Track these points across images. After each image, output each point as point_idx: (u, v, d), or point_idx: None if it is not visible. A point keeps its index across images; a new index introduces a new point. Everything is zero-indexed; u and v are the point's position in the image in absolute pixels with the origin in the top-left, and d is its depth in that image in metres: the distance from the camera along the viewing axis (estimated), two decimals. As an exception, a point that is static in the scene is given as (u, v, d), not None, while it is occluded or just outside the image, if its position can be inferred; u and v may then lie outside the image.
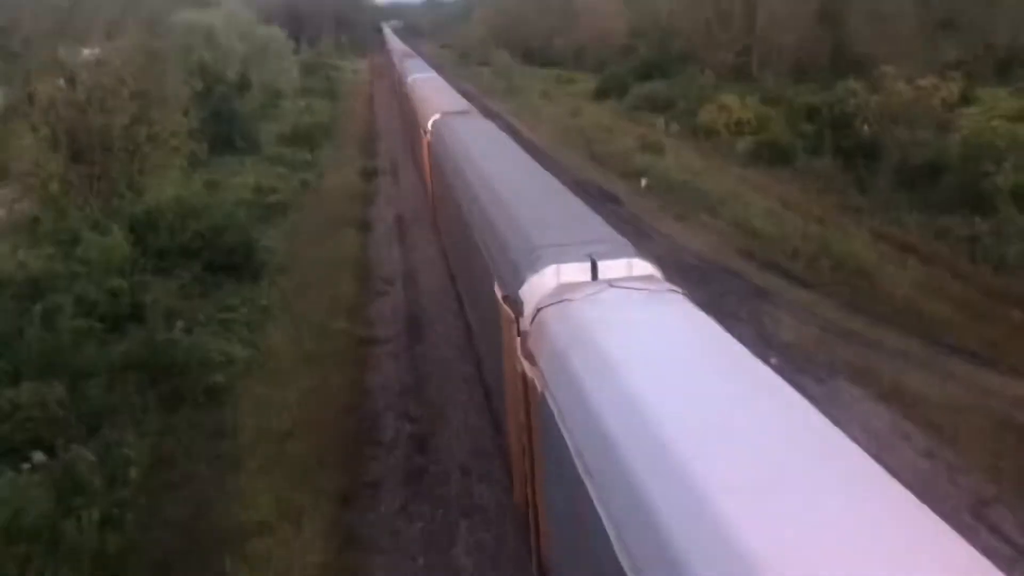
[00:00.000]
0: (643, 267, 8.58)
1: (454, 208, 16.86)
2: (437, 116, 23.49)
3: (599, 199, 29.27)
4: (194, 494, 12.20)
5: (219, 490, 12.25)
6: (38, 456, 12.21)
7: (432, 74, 42.66)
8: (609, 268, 8.39)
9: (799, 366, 16.00)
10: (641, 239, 23.97)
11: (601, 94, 58.98)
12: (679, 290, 8.23)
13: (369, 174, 36.43)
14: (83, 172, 23.04)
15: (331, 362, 16.75)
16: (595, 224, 10.60)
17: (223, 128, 36.40)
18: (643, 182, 31.74)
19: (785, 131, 35.97)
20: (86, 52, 24.54)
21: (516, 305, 8.56)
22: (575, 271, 8.39)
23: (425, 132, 24.33)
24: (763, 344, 16.98)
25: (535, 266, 8.60)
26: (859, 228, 24.45)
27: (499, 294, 9.61)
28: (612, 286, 8.10)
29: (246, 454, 13.13)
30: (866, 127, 31.90)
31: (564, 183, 14.34)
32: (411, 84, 37.21)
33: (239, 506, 11.81)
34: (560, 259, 8.50)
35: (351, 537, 11.41)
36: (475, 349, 15.42)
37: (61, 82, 23.21)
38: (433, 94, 30.55)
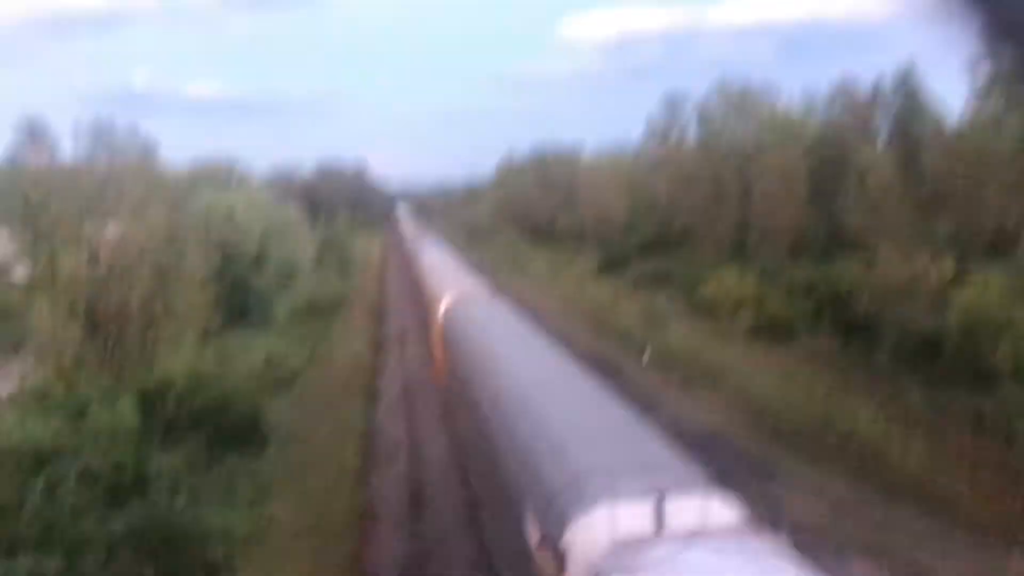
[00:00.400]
0: (723, 509, 6.83)
1: (472, 409, 15.22)
2: (451, 300, 22.59)
3: (603, 372, 29.54)
4: None
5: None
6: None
7: (444, 254, 43.93)
8: (679, 511, 6.61)
9: (811, 544, 15.69)
10: (646, 411, 24.02)
11: (604, 269, 60.47)
12: (783, 544, 6.41)
13: (378, 344, 36.98)
14: (98, 344, 23.52)
15: (332, 537, 16.49)
16: (649, 439, 8.93)
17: (238, 301, 37.30)
18: (645, 356, 32.09)
19: (784, 307, 36.63)
20: (111, 228, 25.61)
21: (558, 556, 6.71)
22: (635, 515, 6.56)
23: (439, 316, 23.35)
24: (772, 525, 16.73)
25: (582, 502, 6.86)
26: (862, 403, 24.48)
27: (534, 536, 7.76)
28: (697, 547, 6.09)
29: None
30: (862, 305, 32.49)
31: (568, 356, 14.67)
32: (424, 264, 38.15)
33: None
34: (614, 493, 6.71)
35: None
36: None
37: (84, 258, 24.11)
38: (446, 274, 30.86)
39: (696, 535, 6.22)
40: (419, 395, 27.87)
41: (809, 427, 22.52)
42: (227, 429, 20.68)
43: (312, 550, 15.83)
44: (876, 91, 52.23)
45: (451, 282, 26.20)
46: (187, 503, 16.71)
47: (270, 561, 15.25)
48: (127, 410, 20.14)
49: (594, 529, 6.41)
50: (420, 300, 36.87)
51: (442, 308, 22.95)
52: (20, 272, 25.15)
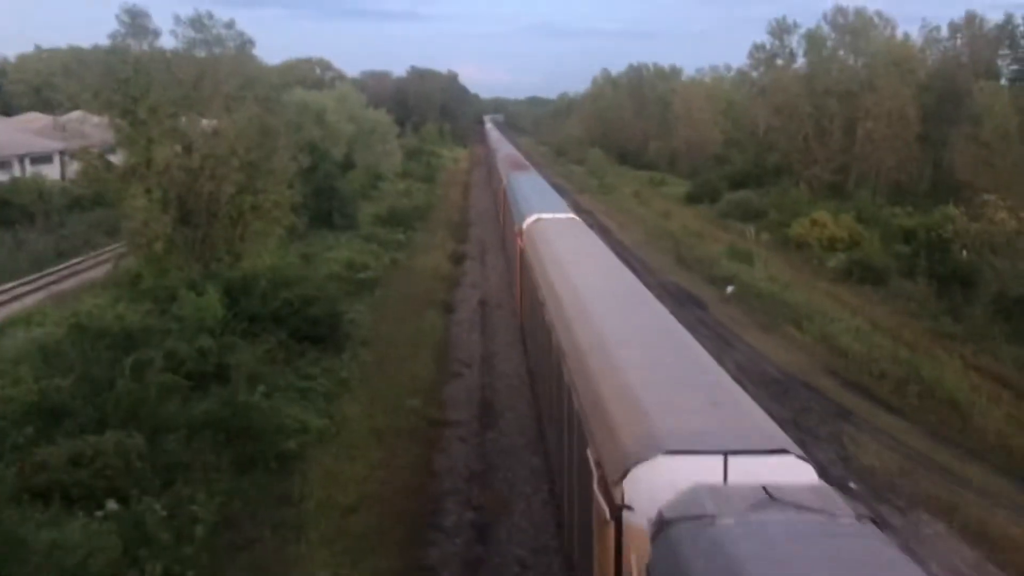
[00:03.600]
0: (801, 470, 6.25)
1: (544, 338, 14.67)
2: (533, 219, 21.57)
3: (684, 303, 29.13)
4: (255, 559, 12.27)
5: (279, 558, 12.29)
6: (111, 505, 12.50)
7: (514, 151, 43.60)
8: (751, 468, 6.15)
9: (879, 494, 15.37)
10: (724, 348, 23.66)
11: (693, 199, 59.31)
12: (868, 516, 5.82)
13: (458, 258, 37.18)
14: (187, 235, 24.12)
15: (401, 440, 16.83)
16: (723, 386, 8.32)
17: (324, 204, 37.85)
18: (729, 289, 31.48)
19: (879, 251, 35.36)
20: (204, 123, 25.95)
21: (614, 503, 6.45)
22: (700, 467, 6.16)
23: (519, 235, 22.34)
24: (842, 466, 16.41)
25: (646, 451, 6.48)
26: (951, 356, 23.60)
27: (593, 474, 7.44)
28: (773, 506, 5.64)
29: (310, 524, 13.19)
30: (964, 253, 31.13)
31: (649, 285, 14.34)
32: (499, 158, 38.02)
33: (297, 576, 11.83)
34: (680, 445, 6.37)
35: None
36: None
37: (178, 148, 24.56)
38: (511, 164, 30.94)
39: (778, 492, 5.79)
40: (496, 311, 28.00)
41: (893, 375, 21.83)
42: (307, 327, 21.13)
43: (383, 449, 16.18)
44: (1006, 25, 48.90)
45: (534, 202, 25.66)
46: (265, 395, 17.21)
47: (341, 457, 15.65)
48: (214, 300, 20.71)
49: (657, 478, 6.11)
50: (502, 216, 36.63)
51: (523, 226, 22.22)
52: (117, 160, 25.79)
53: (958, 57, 51.82)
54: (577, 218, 22.96)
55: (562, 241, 18.60)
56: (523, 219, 22.30)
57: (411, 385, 19.98)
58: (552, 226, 20.74)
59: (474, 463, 16.25)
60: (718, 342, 24.13)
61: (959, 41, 52.24)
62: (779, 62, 60.78)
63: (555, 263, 16.17)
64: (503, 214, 36.90)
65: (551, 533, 13.19)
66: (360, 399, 18.69)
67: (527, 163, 48.08)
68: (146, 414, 15.13)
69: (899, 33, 55.56)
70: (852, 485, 15.46)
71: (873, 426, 18.90)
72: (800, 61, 59.46)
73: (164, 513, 12.45)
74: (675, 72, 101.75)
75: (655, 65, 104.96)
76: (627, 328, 10.95)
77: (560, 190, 42.47)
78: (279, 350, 20.11)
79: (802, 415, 19.13)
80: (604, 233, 36.34)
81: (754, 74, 65.57)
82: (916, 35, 55.53)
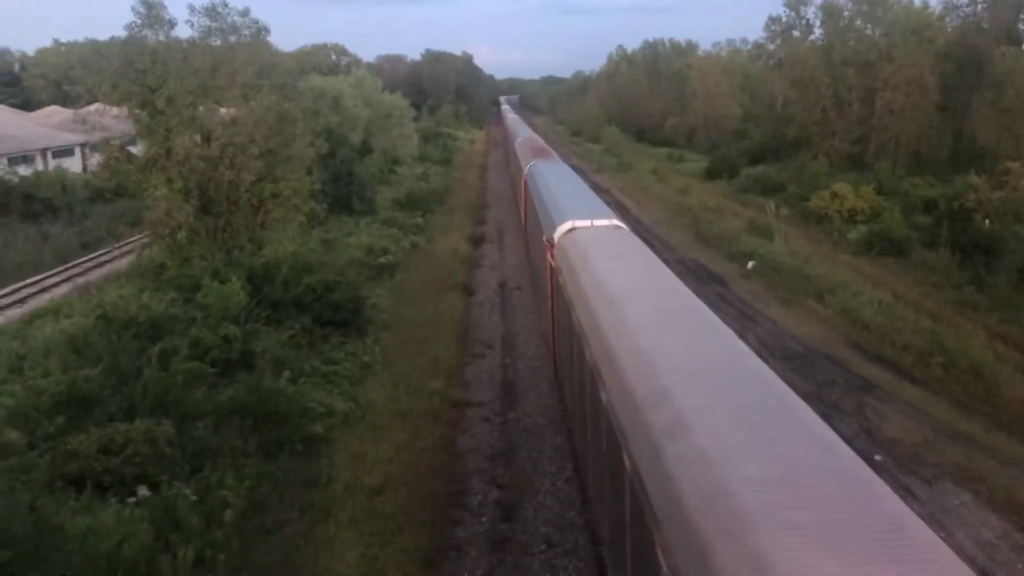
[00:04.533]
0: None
1: (534, 215, 15.24)
2: (566, 228, 17.02)
3: (704, 280, 29.08)
4: (284, 541, 12.48)
5: (309, 540, 12.49)
6: (143, 491, 12.75)
7: (534, 136, 40.81)
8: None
9: (904, 466, 15.35)
10: (745, 323, 23.63)
11: (711, 174, 58.96)
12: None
13: (477, 240, 37.24)
14: (209, 223, 24.32)
15: (425, 421, 16.99)
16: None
17: (342, 190, 38.02)
18: (749, 265, 31.36)
19: (900, 222, 35.06)
20: (222, 111, 26.09)
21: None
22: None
23: (550, 249, 17.55)
24: (866, 439, 16.40)
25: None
26: (975, 326, 23.44)
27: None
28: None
29: (337, 506, 13.38)
30: (987, 223, 30.81)
31: (668, 262, 14.28)
32: (518, 143, 35.32)
33: (327, 557, 12.01)
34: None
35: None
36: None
37: (197, 138, 24.72)
38: (531, 150, 28.05)
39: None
40: (515, 292, 28.06)
41: (916, 347, 21.72)
42: (330, 313, 21.34)
43: (408, 431, 16.34)
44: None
45: (566, 204, 24.26)
46: (290, 380, 17.42)
47: (367, 439, 15.83)
48: (237, 288, 20.93)
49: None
50: (523, 217, 34.91)
51: (554, 238, 17.53)
52: (138, 151, 26.02)
53: (978, 23, 50.96)
54: (624, 226, 17.55)
55: (608, 262, 14.08)
56: (553, 228, 17.51)
57: (433, 367, 20.13)
58: (593, 238, 16.12)
59: (497, 443, 16.39)
60: (740, 318, 24.10)
61: (979, 6, 51.37)
62: (795, 34, 60.06)
63: (601, 295, 12.09)
64: (524, 216, 30.91)
65: (576, 510, 13.30)
66: (384, 382, 18.87)
67: (550, 148, 42.89)
68: (173, 402, 15.38)
69: (917, 0, 54.82)
70: (877, 458, 15.46)
71: (897, 398, 18.83)
72: (817, 32, 58.75)
73: (194, 498, 12.70)
74: (691, 47, 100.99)
75: (671, 40, 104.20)
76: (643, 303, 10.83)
77: (578, 170, 42.35)
78: (303, 336, 20.32)
79: (825, 389, 19.11)
80: (622, 211, 36.24)
81: (771, 47, 64.80)
82: (935, 2, 54.70)
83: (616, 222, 17.60)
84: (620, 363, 9.34)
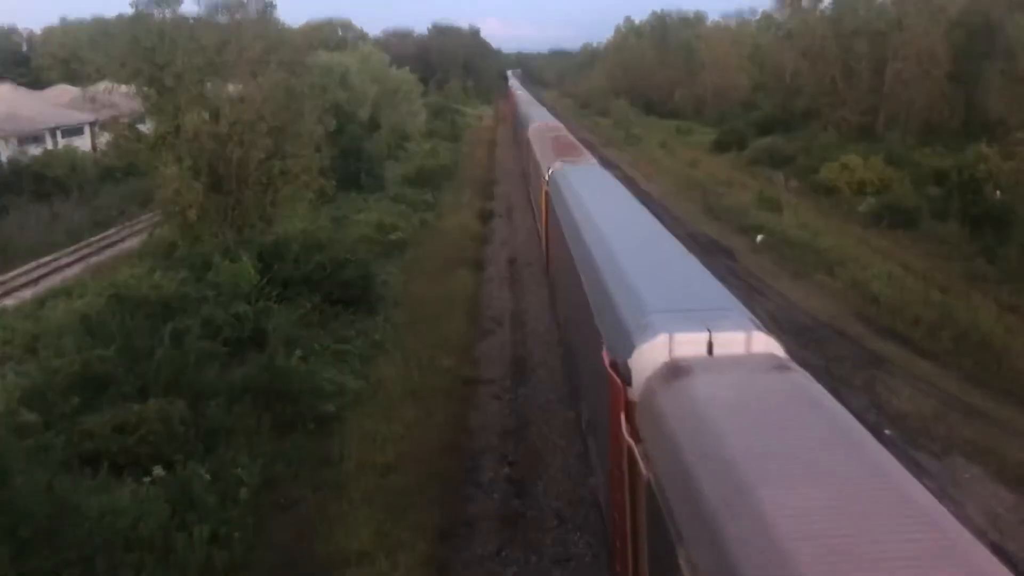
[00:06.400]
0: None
1: (566, 260, 15.51)
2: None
3: (713, 253, 29.03)
4: (298, 518, 12.63)
5: (322, 516, 12.64)
6: (158, 470, 12.88)
7: (554, 122, 42.77)
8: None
9: (914, 440, 15.41)
10: (754, 296, 23.62)
11: (720, 147, 58.65)
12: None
13: (486, 216, 37.21)
14: (219, 202, 24.37)
15: (437, 399, 17.09)
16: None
17: (351, 166, 37.97)
18: (758, 238, 31.29)
19: (910, 193, 34.86)
20: (231, 88, 26.04)
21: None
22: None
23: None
24: (876, 413, 16.44)
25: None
26: (986, 298, 23.35)
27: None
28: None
29: (350, 483, 13.51)
30: (998, 193, 30.59)
31: (678, 235, 14.29)
32: (532, 131, 37.11)
33: (341, 533, 12.14)
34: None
35: None
36: (579, 415, 14.51)
37: (206, 115, 24.70)
38: (554, 143, 29.94)
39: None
40: (525, 268, 28.09)
41: (926, 320, 21.68)
42: (340, 290, 21.39)
43: (419, 409, 16.44)
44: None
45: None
46: (302, 358, 17.52)
47: (379, 417, 15.94)
48: (247, 267, 21.00)
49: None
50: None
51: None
52: (147, 130, 26.04)
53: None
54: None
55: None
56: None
57: (444, 344, 20.19)
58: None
59: (508, 420, 16.49)
60: (749, 292, 24.08)
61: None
62: (805, 4, 59.47)
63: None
64: (546, 240, 23.95)
65: (587, 486, 13.42)
66: (395, 360, 18.95)
67: (578, 144, 31.44)
68: (186, 381, 15.47)
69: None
70: (887, 432, 15.51)
71: (907, 371, 18.86)
72: (827, 2, 58.16)
73: (209, 477, 12.82)
74: (699, 18, 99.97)
75: (679, 11, 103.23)
76: (638, 245, 12.17)
77: (586, 143, 42.17)
78: (313, 314, 20.41)
79: (835, 363, 19.14)
80: (631, 184, 36.11)
81: (780, 17, 64.19)
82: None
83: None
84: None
